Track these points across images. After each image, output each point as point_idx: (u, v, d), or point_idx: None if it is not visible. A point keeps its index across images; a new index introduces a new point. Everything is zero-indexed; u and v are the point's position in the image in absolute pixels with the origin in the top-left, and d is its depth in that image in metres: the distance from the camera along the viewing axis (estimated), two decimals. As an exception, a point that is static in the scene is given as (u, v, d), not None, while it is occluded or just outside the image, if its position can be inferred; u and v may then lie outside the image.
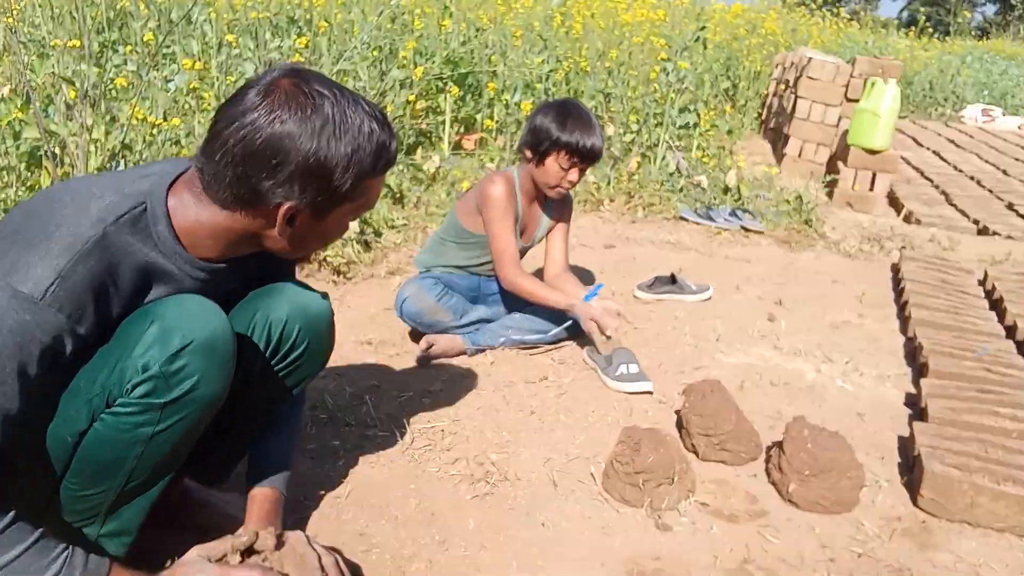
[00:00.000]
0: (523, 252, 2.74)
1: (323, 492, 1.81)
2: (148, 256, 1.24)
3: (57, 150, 2.86)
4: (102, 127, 2.93)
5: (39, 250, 1.13)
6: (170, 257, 1.27)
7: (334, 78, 4.06)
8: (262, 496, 1.53)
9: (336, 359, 2.45)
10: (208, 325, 1.24)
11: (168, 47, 4.30)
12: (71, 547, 1.17)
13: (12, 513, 1.13)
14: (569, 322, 2.59)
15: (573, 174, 2.51)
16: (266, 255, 1.41)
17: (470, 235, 2.62)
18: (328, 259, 3.17)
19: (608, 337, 2.47)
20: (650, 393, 2.41)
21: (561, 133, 2.44)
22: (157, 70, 3.57)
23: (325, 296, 1.56)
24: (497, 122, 5.01)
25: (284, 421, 1.64)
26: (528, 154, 2.53)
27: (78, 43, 3.16)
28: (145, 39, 4.11)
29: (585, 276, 3.42)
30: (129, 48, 4.26)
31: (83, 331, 1.17)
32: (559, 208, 2.74)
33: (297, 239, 1.32)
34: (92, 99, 2.92)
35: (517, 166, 2.65)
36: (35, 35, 4.22)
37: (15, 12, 3.48)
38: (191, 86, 3.65)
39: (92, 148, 2.87)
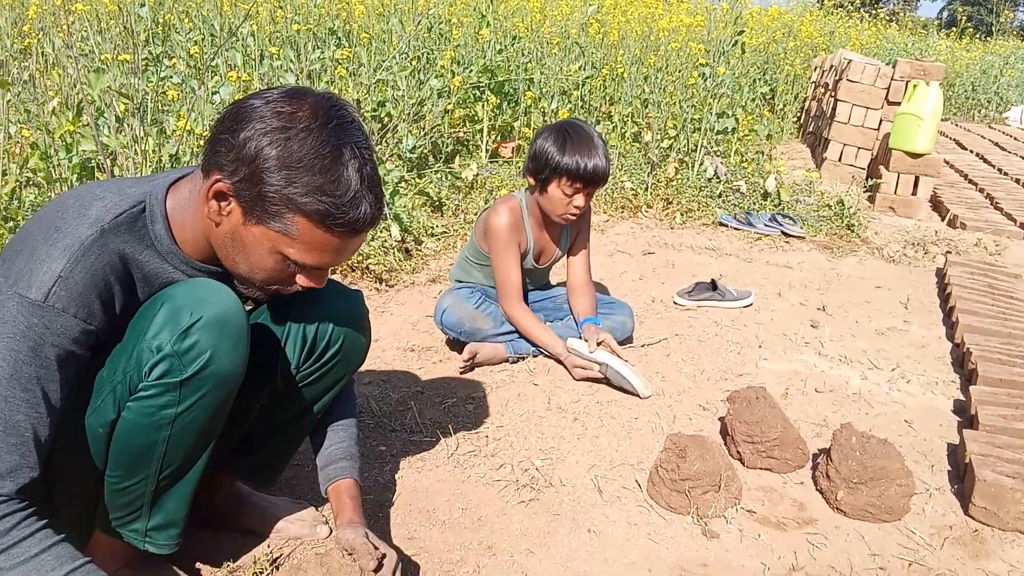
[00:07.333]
0: (544, 273, 2.76)
1: (371, 496, 1.83)
2: (143, 255, 1.26)
3: (108, 162, 2.93)
4: (151, 139, 3.00)
5: (41, 255, 1.16)
6: (166, 256, 1.29)
7: (373, 87, 4.14)
8: (342, 489, 1.54)
9: (380, 365, 2.50)
10: (217, 302, 1.25)
11: (212, 59, 4.39)
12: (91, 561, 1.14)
13: (44, 521, 1.12)
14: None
15: (578, 199, 2.39)
16: None
17: (486, 257, 2.60)
18: (370, 267, 3.21)
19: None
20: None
21: (561, 157, 2.32)
22: (203, 82, 3.64)
23: (358, 292, 1.57)
24: (534, 130, 5.03)
25: (339, 414, 1.65)
26: (531, 181, 2.44)
27: (128, 57, 3.24)
28: (191, 52, 4.19)
29: (623, 283, 3.43)
30: (174, 61, 4.36)
31: (94, 328, 1.19)
32: (576, 224, 2.63)
33: (225, 236, 1.25)
34: (141, 111, 2.99)
35: (526, 190, 2.56)
36: (84, 48, 4.33)
37: (67, 27, 3.57)
38: (236, 97, 3.73)
39: (142, 160, 2.94)
